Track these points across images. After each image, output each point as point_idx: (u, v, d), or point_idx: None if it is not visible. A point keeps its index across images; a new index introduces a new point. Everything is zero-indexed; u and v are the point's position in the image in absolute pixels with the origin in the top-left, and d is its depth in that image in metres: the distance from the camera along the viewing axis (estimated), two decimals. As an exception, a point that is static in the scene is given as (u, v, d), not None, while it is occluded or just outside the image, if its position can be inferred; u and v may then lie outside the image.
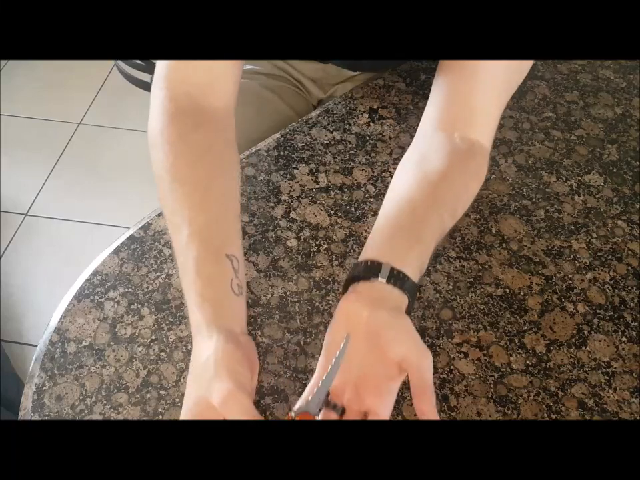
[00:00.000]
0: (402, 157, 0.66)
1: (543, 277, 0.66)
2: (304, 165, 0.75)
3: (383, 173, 0.75)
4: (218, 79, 0.59)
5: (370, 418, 0.50)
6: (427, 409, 0.47)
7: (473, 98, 0.61)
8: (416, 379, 0.48)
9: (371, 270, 0.52)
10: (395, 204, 0.59)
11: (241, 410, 0.44)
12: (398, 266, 0.52)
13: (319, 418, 0.51)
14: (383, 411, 0.50)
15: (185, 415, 0.48)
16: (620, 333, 0.62)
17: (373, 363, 0.51)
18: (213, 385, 0.46)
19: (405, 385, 0.51)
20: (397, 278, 0.52)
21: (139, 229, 0.69)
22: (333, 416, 0.51)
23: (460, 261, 0.67)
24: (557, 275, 0.66)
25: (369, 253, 0.55)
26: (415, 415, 0.49)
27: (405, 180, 0.61)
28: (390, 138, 0.79)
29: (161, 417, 0.55)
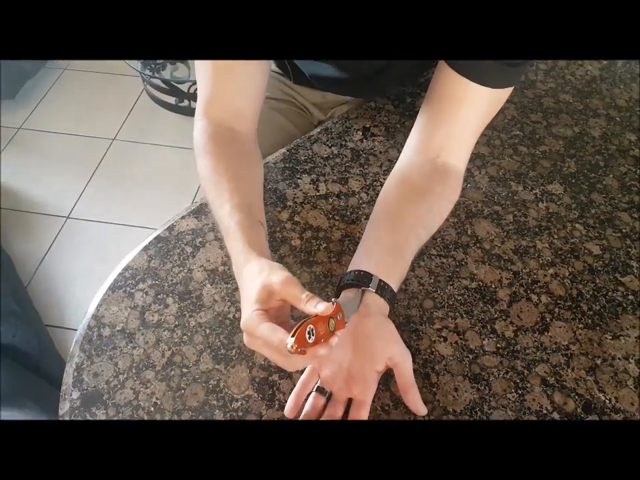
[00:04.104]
0: (390, 169, 0.66)
1: (512, 272, 0.66)
2: (306, 175, 0.75)
3: (374, 183, 0.75)
4: (242, 111, 0.64)
5: (354, 403, 0.52)
6: (412, 398, 0.52)
7: (454, 128, 0.61)
8: (402, 376, 0.52)
9: (363, 280, 0.54)
10: (381, 223, 0.60)
11: (296, 291, 0.45)
12: (384, 279, 0.54)
13: (309, 400, 0.52)
14: (367, 397, 0.52)
15: (249, 305, 0.46)
16: (577, 320, 0.62)
17: (362, 360, 0.53)
18: (270, 275, 0.46)
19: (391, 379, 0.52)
20: (382, 289, 0.54)
21: (165, 229, 0.69)
22: (321, 399, 0.53)
23: (440, 258, 0.67)
24: (524, 270, 0.66)
25: (358, 264, 0.56)
26: (405, 406, 0.52)
27: (390, 201, 0.62)
28: (380, 152, 0.79)
29: (182, 391, 0.55)
